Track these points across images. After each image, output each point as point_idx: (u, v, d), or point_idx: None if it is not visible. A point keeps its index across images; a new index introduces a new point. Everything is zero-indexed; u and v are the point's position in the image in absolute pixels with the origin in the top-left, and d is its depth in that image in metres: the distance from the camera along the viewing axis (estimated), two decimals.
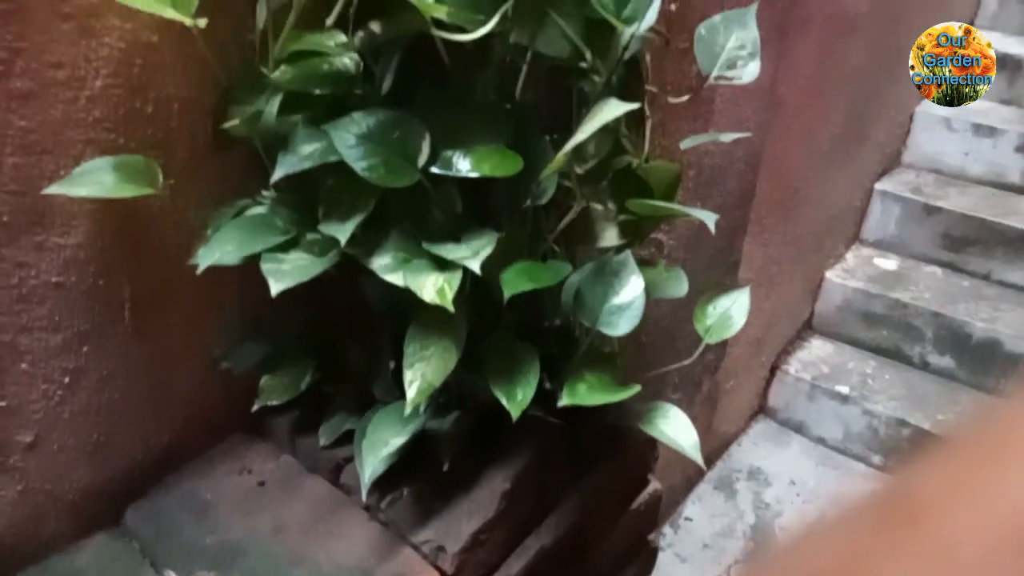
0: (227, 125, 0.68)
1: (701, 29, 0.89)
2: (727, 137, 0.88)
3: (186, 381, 0.80)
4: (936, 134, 2.31)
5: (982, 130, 2.25)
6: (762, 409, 2.21)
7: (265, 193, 0.73)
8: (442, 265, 0.64)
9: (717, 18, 0.90)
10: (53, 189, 0.62)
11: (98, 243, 0.69)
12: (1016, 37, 2.40)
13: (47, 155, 0.64)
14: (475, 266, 0.62)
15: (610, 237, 0.82)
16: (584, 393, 0.73)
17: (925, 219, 2.23)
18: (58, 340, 0.69)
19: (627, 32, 0.62)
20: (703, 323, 0.85)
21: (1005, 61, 2.30)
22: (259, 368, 0.80)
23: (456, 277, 0.63)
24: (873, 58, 1.94)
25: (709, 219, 0.76)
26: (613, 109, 0.60)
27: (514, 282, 0.66)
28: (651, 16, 0.63)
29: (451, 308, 0.60)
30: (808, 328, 2.29)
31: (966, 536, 0.14)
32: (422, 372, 0.66)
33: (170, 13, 0.62)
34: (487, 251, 0.64)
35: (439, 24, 0.60)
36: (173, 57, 0.69)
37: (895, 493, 0.16)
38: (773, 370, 2.16)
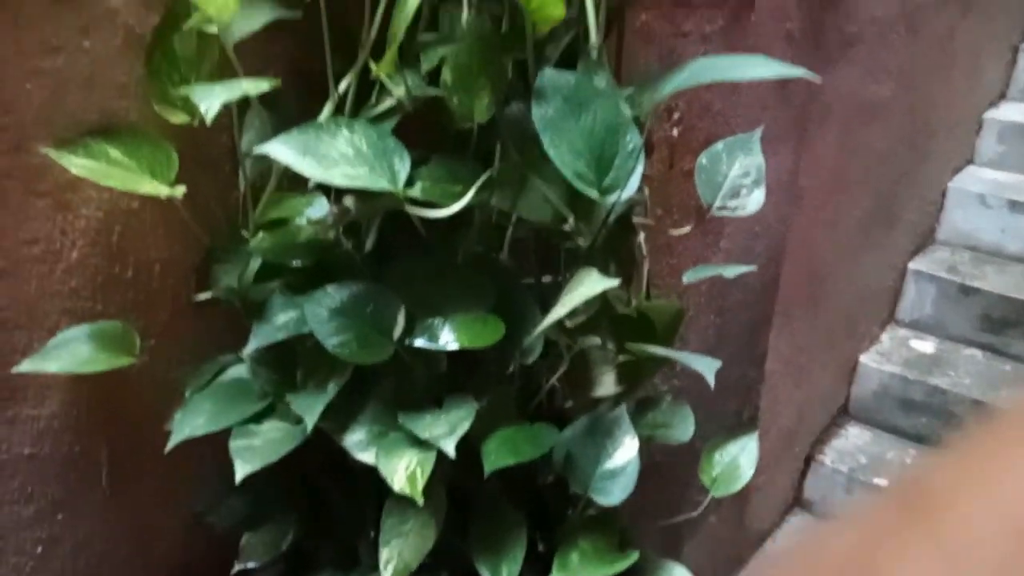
0: (202, 297, 0.67)
1: (703, 159, 0.86)
2: (731, 272, 0.84)
3: (166, 541, 0.77)
4: (971, 211, 2.24)
5: (1018, 207, 2.17)
6: (797, 502, 2.11)
7: (245, 350, 0.71)
8: (418, 441, 0.61)
9: (720, 145, 0.88)
10: (25, 367, 0.61)
11: (73, 411, 0.68)
12: None
13: (20, 330, 0.63)
14: (450, 448, 0.59)
15: (607, 383, 0.78)
16: (576, 565, 0.68)
17: (962, 299, 2.14)
18: (30, 511, 0.67)
19: (609, 200, 0.60)
20: (709, 473, 0.80)
21: None
22: (241, 525, 0.77)
23: (430, 459, 0.60)
24: (899, 141, 1.90)
25: (708, 370, 0.72)
26: (594, 285, 0.57)
27: (496, 456, 0.63)
28: (633, 183, 0.60)
29: (420, 499, 0.57)
30: (844, 414, 2.19)
31: (978, 527, 0.14)
32: (399, 551, 0.63)
33: (147, 188, 0.62)
34: (464, 427, 0.61)
35: (413, 201, 0.58)
36: (154, 220, 0.68)
37: (909, 487, 0.17)
38: (808, 461, 2.07)
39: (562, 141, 0.58)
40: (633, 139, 0.60)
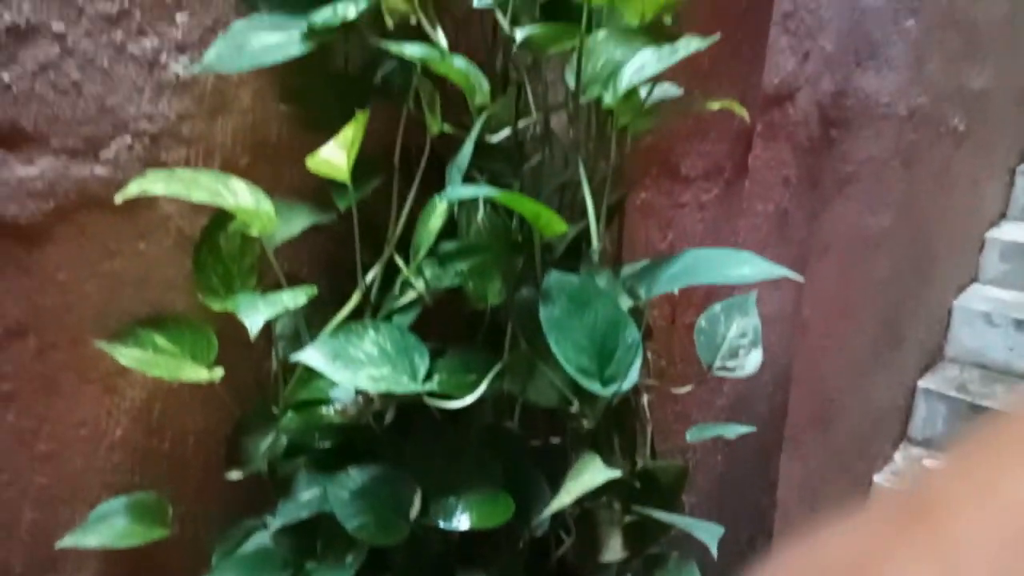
0: (234, 476, 0.71)
1: (702, 320, 0.91)
2: (732, 432, 0.88)
3: None
4: (977, 329, 2.27)
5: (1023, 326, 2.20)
6: None
7: (270, 518, 0.75)
8: None
9: (717, 307, 0.93)
10: (67, 543, 0.66)
11: None
12: None
13: (64, 505, 0.67)
14: None
15: (615, 547, 0.81)
16: None
17: (973, 417, 2.14)
18: None
19: (610, 390, 0.65)
20: None
21: None
22: None
23: None
24: (902, 266, 1.95)
25: (711, 539, 0.75)
26: (596, 475, 0.61)
27: None
28: (633, 375, 0.65)
29: None
30: None
31: (977, 534, 0.14)
32: None
33: (188, 374, 0.67)
34: None
35: (430, 394, 0.63)
36: (192, 396, 0.74)
37: (910, 494, 0.17)
38: None
39: (566, 339, 0.63)
40: (632, 334, 0.66)
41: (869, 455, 2.11)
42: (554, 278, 0.66)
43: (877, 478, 2.14)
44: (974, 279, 2.40)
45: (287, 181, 0.76)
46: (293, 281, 0.75)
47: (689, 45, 0.60)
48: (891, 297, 1.95)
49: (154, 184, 0.57)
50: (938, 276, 2.16)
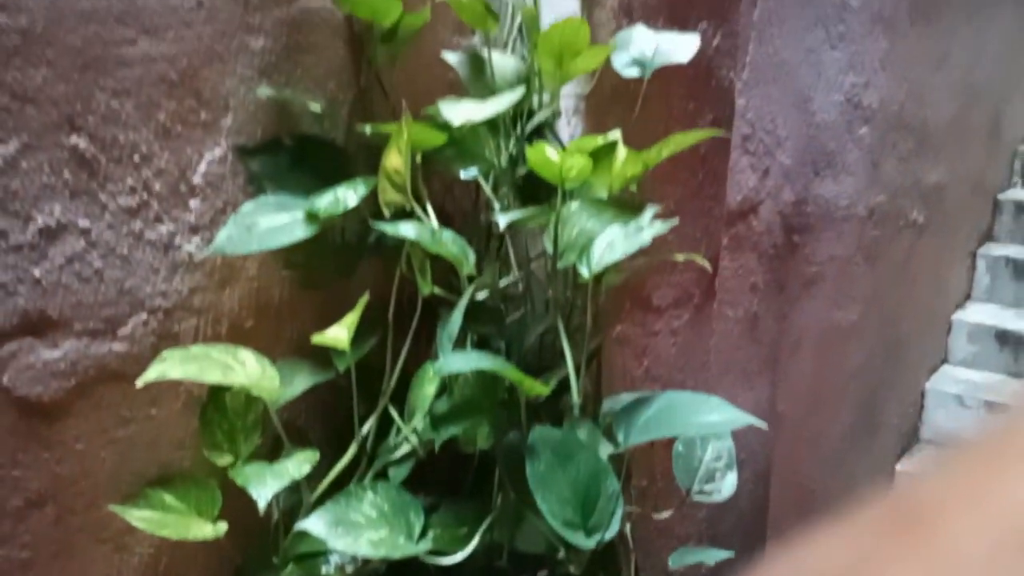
0: None
1: (679, 446, 0.96)
2: (712, 558, 0.92)
3: None
4: (951, 411, 2.34)
5: (995, 407, 2.27)
6: None
7: None
8: None
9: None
10: None
11: None
12: (1013, 310, 2.49)
13: None
14: None
15: None
16: None
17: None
18: None
19: (593, 540, 0.69)
20: None
21: (1007, 336, 2.37)
22: None
23: None
24: (872, 355, 2.03)
25: None
26: None
27: None
28: (615, 524, 0.70)
29: None
30: None
31: (969, 537, 0.14)
32: None
33: (194, 532, 0.71)
34: None
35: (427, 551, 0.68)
36: (196, 547, 0.77)
37: (901, 498, 0.17)
38: None
39: (551, 493, 0.68)
40: (612, 484, 0.71)
41: None
42: (538, 433, 0.71)
43: None
44: (944, 360, 2.48)
45: (287, 337, 0.81)
46: (292, 431, 0.80)
47: (653, 228, 0.67)
48: (864, 385, 2.02)
49: (171, 368, 0.63)
50: (909, 361, 2.24)
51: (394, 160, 0.67)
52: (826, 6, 1.56)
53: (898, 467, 2.22)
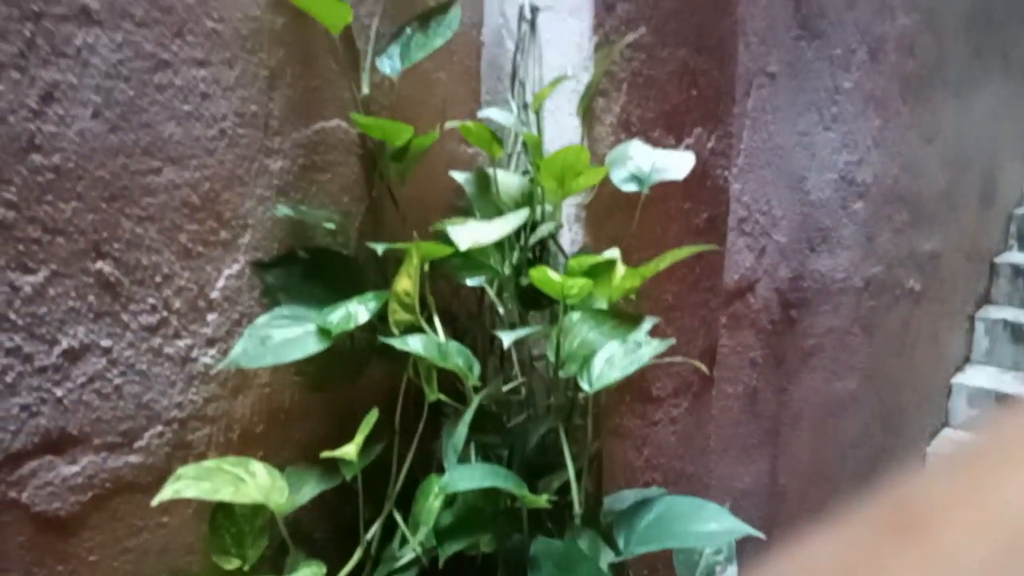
0: None
1: None
2: None
3: None
4: None
5: (954, 451, 2.27)
6: None
7: None
8: None
9: None
10: None
11: None
12: (1012, 372, 2.51)
13: None
14: None
15: None
16: None
17: None
18: None
19: None
20: None
21: (1006, 400, 2.38)
22: None
23: None
24: (872, 423, 2.04)
25: None
26: None
27: None
28: None
29: None
30: None
31: (967, 539, 0.14)
32: None
33: None
34: None
35: None
36: None
37: (898, 501, 0.16)
38: None
39: None
40: None
41: None
42: (541, 545, 0.73)
43: None
44: (945, 423, 2.49)
45: (295, 440, 0.84)
46: (296, 531, 0.82)
47: (651, 346, 0.70)
48: (864, 454, 2.03)
49: (186, 487, 0.65)
50: (908, 427, 2.25)
51: (404, 284, 0.70)
52: (819, 90, 1.61)
53: None
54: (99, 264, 0.67)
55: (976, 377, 2.51)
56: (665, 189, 0.99)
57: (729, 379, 1.52)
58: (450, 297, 0.91)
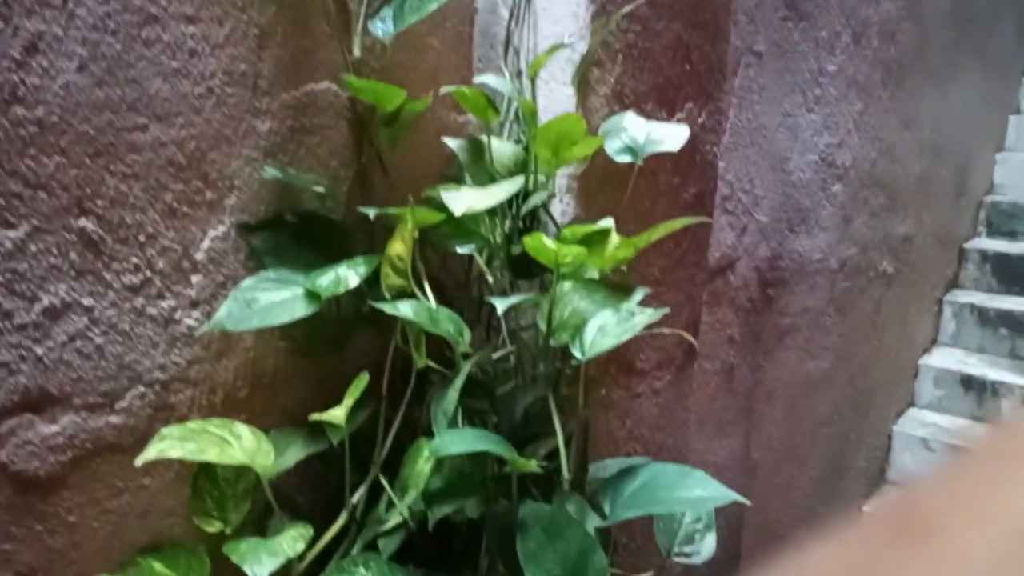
0: None
1: None
2: None
3: None
4: (917, 454, 2.40)
5: (959, 451, 2.33)
6: None
7: None
8: None
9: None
10: None
11: None
12: (977, 355, 2.57)
13: None
14: None
15: None
16: None
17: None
18: None
19: None
20: None
21: (971, 381, 2.45)
22: None
23: None
24: (842, 403, 2.08)
25: None
26: None
27: None
28: None
29: None
30: None
31: (973, 543, 0.14)
32: None
33: None
34: None
35: None
36: None
37: (904, 507, 0.16)
38: None
39: (541, 571, 0.70)
40: (599, 559, 0.73)
41: None
42: (529, 509, 0.73)
43: None
44: (911, 404, 2.55)
45: (281, 405, 0.83)
46: (281, 496, 0.81)
47: (645, 315, 0.71)
48: (834, 433, 2.07)
49: (171, 447, 0.64)
50: (876, 407, 2.30)
51: (398, 248, 0.69)
52: (804, 72, 1.62)
53: (865, 508, 2.28)
54: (82, 221, 0.65)
55: (943, 359, 2.57)
56: (655, 163, 0.99)
57: (707, 355, 1.53)
58: (438, 267, 0.90)
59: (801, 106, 1.65)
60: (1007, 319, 2.54)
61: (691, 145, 1.05)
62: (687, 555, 0.99)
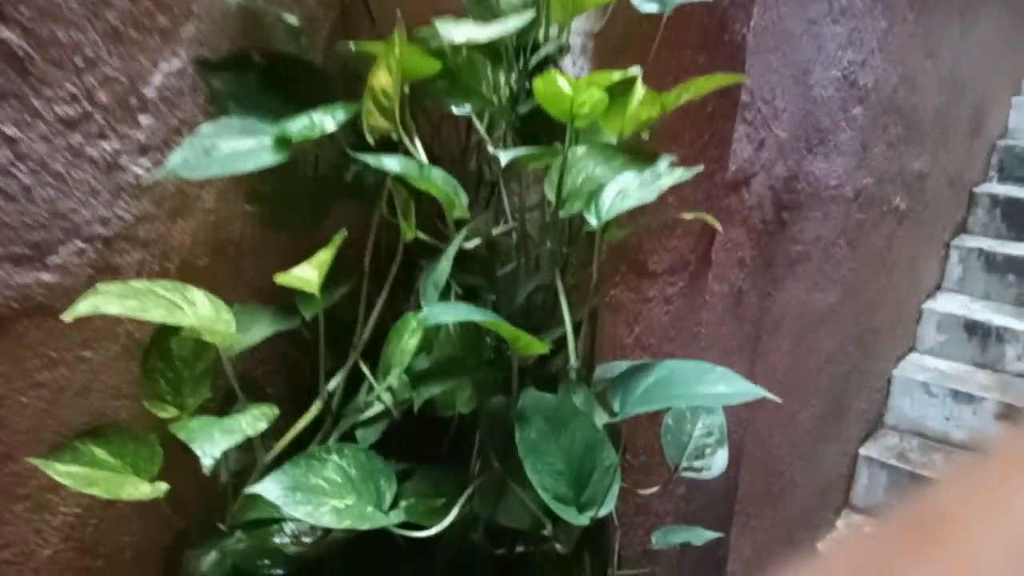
0: None
1: (668, 419, 0.90)
2: (699, 538, 0.86)
3: None
4: (916, 399, 2.34)
5: (960, 396, 2.27)
6: None
7: None
8: None
9: (686, 408, 0.92)
10: None
11: None
12: (982, 302, 2.50)
13: None
14: None
15: None
16: None
17: (914, 487, 2.19)
18: None
19: (586, 517, 0.62)
20: None
21: (975, 327, 2.38)
22: None
23: None
24: (847, 341, 2.00)
25: None
26: None
27: None
28: (611, 500, 0.63)
29: None
30: None
31: (988, 544, 0.14)
32: None
33: (129, 492, 0.62)
34: None
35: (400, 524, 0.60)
36: (130, 509, 0.69)
37: (919, 511, 0.16)
38: None
39: (542, 464, 0.61)
40: (609, 456, 0.64)
41: (813, 524, 2.14)
42: (530, 398, 0.64)
43: (820, 546, 2.16)
44: (912, 348, 2.48)
45: (248, 279, 0.72)
46: (247, 384, 0.72)
47: (673, 175, 0.60)
48: (836, 371, 2.00)
49: (107, 303, 0.53)
50: (879, 348, 2.22)
51: (383, 78, 0.58)
52: None
53: (861, 451, 2.23)
54: (2, 31, 0.53)
55: (947, 304, 2.49)
56: (681, 34, 0.87)
57: (717, 277, 1.43)
58: (431, 135, 0.79)
59: (826, 15, 1.53)
60: (1015, 265, 2.46)
61: (720, 22, 0.94)
62: (697, 470, 0.90)
